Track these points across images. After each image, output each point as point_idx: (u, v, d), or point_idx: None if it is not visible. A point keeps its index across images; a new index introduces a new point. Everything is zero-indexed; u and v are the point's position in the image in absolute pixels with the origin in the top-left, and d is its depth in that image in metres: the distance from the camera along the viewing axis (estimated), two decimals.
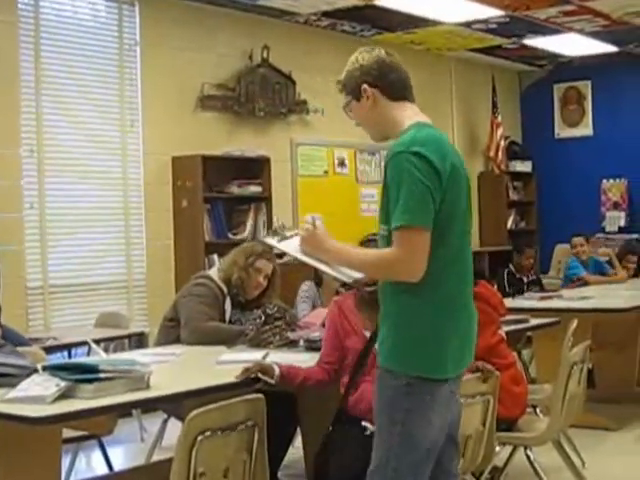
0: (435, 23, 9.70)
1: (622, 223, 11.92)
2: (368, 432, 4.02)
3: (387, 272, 3.15)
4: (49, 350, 6.08)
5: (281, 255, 8.71)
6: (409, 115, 3.30)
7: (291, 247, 3.40)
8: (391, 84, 3.32)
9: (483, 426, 4.23)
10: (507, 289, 8.47)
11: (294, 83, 9.37)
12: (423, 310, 3.14)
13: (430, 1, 8.84)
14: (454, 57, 11.52)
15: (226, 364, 4.35)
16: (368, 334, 4.16)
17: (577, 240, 9.28)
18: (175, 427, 3.35)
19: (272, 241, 3.46)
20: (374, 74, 3.31)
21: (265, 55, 9.11)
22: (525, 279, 8.91)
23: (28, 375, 3.58)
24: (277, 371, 4.00)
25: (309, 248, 3.33)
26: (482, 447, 4.24)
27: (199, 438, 3.17)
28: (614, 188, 12.05)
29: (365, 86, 3.30)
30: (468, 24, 9.76)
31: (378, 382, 3.22)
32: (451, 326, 3.17)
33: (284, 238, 3.44)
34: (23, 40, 7.39)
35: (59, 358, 6.31)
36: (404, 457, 3.13)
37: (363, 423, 4.05)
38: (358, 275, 3.33)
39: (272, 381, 3.96)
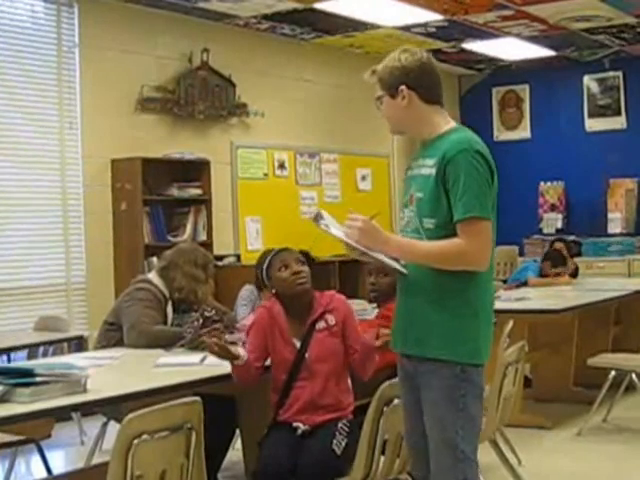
0: (374, 27, 9.77)
1: (559, 225, 12.07)
2: (299, 432, 4.10)
3: (459, 262, 3.28)
4: None
5: (220, 258, 8.76)
6: (445, 119, 3.47)
7: (340, 233, 3.41)
8: (428, 88, 3.45)
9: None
10: None
11: (234, 86, 9.38)
12: (471, 300, 3.33)
13: (369, 5, 8.89)
14: None
15: (164, 367, 4.37)
16: (298, 343, 4.22)
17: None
18: (115, 430, 3.34)
19: (323, 226, 3.41)
20: (414, 77, 3.42)
21: (205, 58, 9.11)
22: None
23: None
24: (244, 354, 4.05)
25: (367, 238, 3.33)
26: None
27: (135, 441, 3.17)
28: (551, 190, 12.21)
29: (403, 87, 3.42)
30: (407, 28, 9.83)
31: (429, 374, 3.34)
32: (489, 315, 3.42)
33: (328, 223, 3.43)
34: None
35: None
36: (469, 438, 3.34)
37: (294, 424, 4.12)
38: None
39: (239, 362, 4.02)
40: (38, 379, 3.51)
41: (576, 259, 10.22)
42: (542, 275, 9.15)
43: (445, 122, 3.46)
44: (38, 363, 4.19)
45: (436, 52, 10.91)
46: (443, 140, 3.38)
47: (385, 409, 3.89)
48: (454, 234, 3.27)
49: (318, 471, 3.89)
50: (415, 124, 3.48)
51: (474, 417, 3.35)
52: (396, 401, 3.82)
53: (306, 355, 4.21)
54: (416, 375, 3.41)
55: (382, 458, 3.99)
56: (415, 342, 3.38)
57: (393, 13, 9.16)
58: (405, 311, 3.45)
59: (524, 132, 12.65)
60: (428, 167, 3.35)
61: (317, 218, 3.37)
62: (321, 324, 4.26)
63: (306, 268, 4.34)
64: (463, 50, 11.11)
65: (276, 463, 3.97)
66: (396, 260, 3.41)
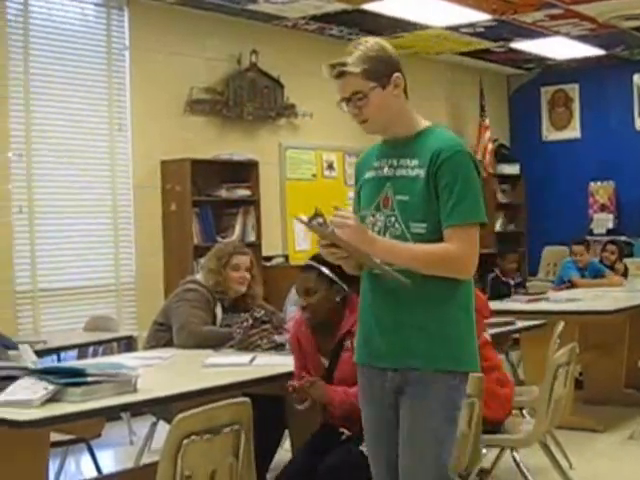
0: (423, 27, 9.74)
1: (610, 225, 11.96)
2: (344, 437, 4.09)
3: (449, 267, 3.09)
4: (39, 354, 6.10)
5: (269, 258, 8.78)
6: (419, 117, 3.26)
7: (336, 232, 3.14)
8: (404, 80, 3.23)
9: (469, 428, 4.25)
10: (491, 293, 8.41)
11: (282, 87, 9.40)
12: (462, 306, 3.16)
13: (418, 5, 8.87)
14: (442, 61, 11.54)
15: (213, 367, 4.38)
16: (326, 362, 4.20)
17: (577, 249, 9.25)
18: (164, 430, 3.36)
19: (316, 225, 3.23)
20: (399, 65, 3.20)
21: (254, 59, 9.14)
22: (511, 282, 8.93)
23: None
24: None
25: (356, 237, 3.04)
26: (468, 449, 4.26)
27: (185, 442, 3.17)
28: (601, 190, 12.11)
29: (399, 74, 3.18)
30: (456, 28, 9.80)
31: (422, 386, 3.12)
32: (473, 320, 3.23)
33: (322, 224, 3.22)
34: (12, 45, 7.39)
35: (49, 362, 6.32)
36: (450, 451, 3.18)
37: (340, 429, 4.12)
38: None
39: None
40: (89, 379, 3.54)
41: (628, 260, 10.12)
42: (605, 265, 9.24)
43: (420, 119, 3.26)
44: (89, 363, 4.21)
45: (485, 52, 10.89)
46: (424, 139, 3.17)
47: None
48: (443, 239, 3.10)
49: (345, 474, 3.90)
50: (398, 118, 3.22)
51: (457, 428, 3.22)
52: None
53: (334, 375, 4.16)
54: (404, 388, 3.17)
55: None
56: (418, 354, 3.12)
57: (441, 13, 9.14)
58: (395, 322, 3.16)
59: (573, 132, 12.56)
60: (411, 168, 3.14)
61: (314, 218, 3.16)
62: (348, 342, 4.10)
63: (313, 299, 4.19)
64: (512, 49, 11.04)
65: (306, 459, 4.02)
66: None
